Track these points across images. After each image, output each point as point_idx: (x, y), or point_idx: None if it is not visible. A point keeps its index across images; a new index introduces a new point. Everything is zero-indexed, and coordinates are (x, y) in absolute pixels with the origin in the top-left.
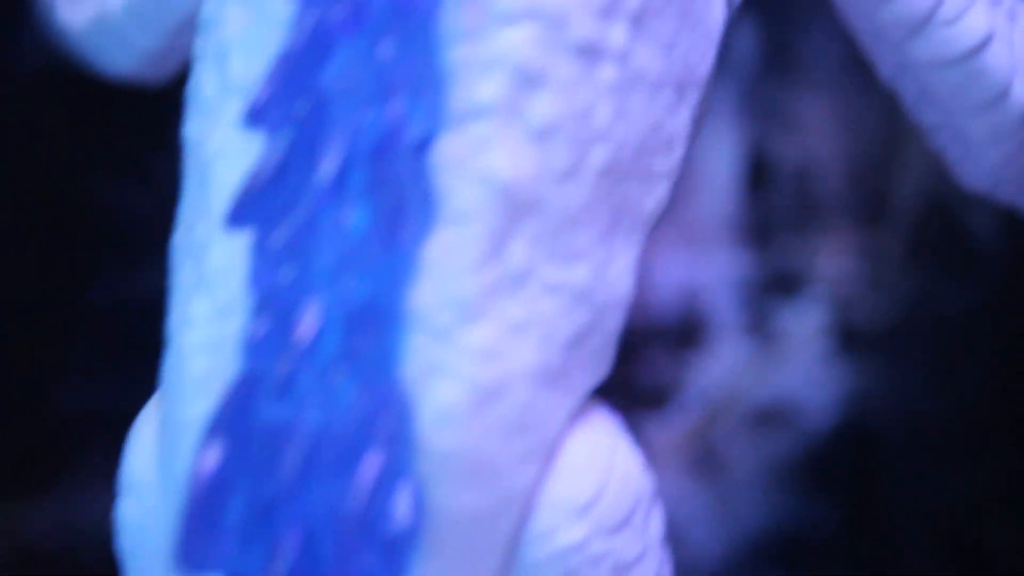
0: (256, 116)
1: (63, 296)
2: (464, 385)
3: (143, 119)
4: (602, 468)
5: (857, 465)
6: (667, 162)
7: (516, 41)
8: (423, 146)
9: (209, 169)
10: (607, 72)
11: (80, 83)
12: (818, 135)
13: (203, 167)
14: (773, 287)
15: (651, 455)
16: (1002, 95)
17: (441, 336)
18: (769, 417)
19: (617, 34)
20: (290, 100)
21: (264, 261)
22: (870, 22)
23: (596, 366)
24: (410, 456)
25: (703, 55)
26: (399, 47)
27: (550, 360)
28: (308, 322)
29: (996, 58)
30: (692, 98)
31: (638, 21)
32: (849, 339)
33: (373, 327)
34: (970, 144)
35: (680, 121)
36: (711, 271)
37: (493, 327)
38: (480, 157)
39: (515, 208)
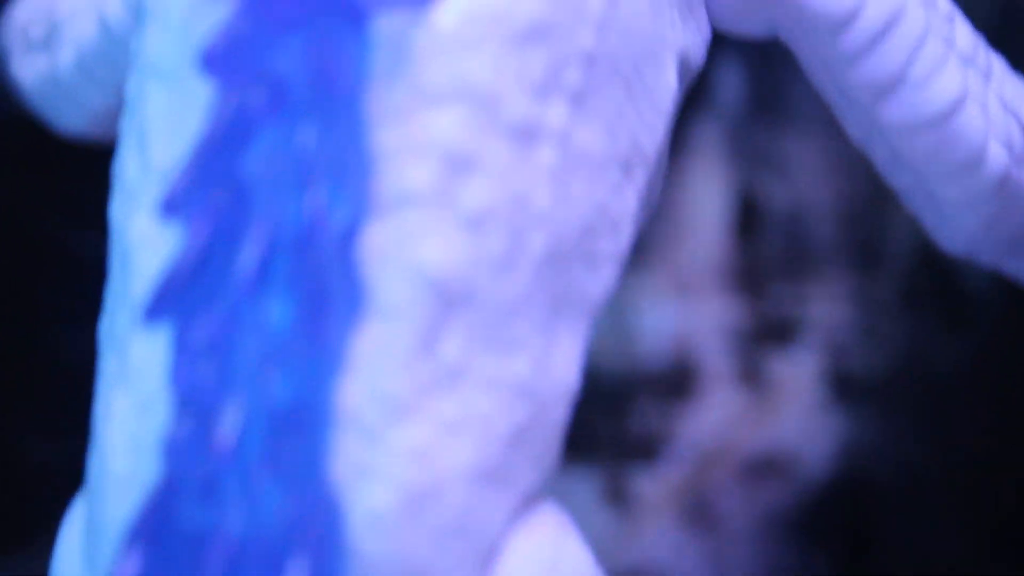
0: (172, 206)
1: (32, 348)
2: (395, 488)
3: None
4: (546, 570)
5: (852, 517)
6: (613, 244)
7: (446, 124)
8: (348, 236)
9: (129, 256)
10: (545, 154)
11: (44, 130)
12: (809, 179)
13: (124, 253)
14: (765, 335)
15: (641, 508)
16: (977, 159)
17: (370, 436)
18: (762, 468)
19: (556, 113)
20: (208, 189)
21: (184, 357)
22: (837, 84)
23: (540, 461)
24: (339, 563)
25: (652, 130)
26: (322, 131)
27: (489, 458)
28: (229, 423)
29: (969, 121)
30: (640, 176)
31: (579, 99)
32: (843, 388)
33: (298, 427)
34: (945, 209)
35: (627, 201)
36: (701, 318)
37: (426, 426)
38: (409, 247)
39: (447, 300)
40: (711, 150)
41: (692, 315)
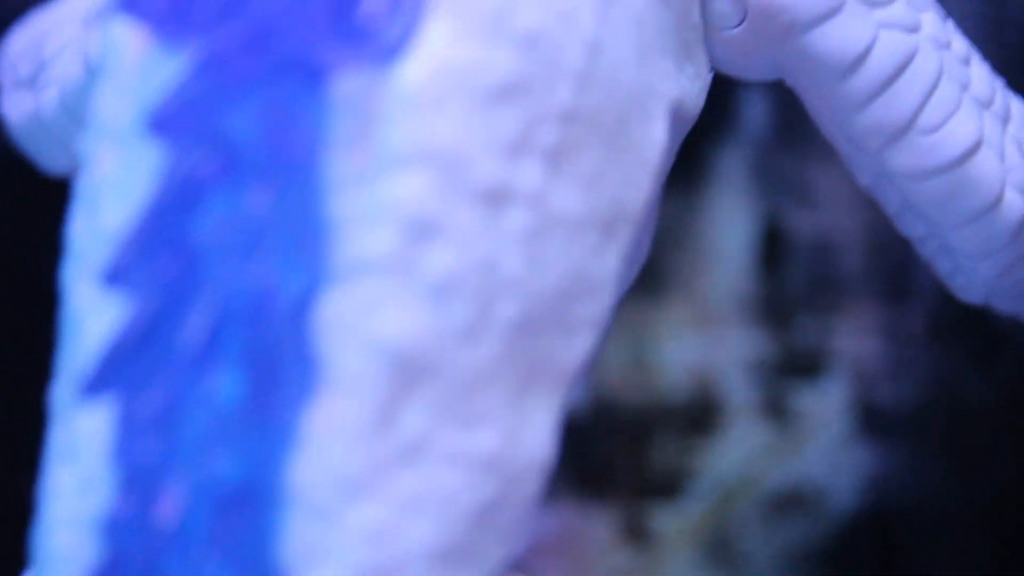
0: (117, 274)
1: (29, 389)
2: (349, 570)
3: None
4: None
5: (878, 552)
6: (592, 309)
7: (408, 188)
8: (302, 306)
9: (75, 324)
10: (516, 217)
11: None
12: (836, 209)
13: (70, 320)
14: (790, 367)
15: (661, 545)
16: (991, 206)
17: (323, 516)
18: (787, 502)
19: (529, 174)
20: (155, 256)
21: (128, 433)
22: (844, 129)
23: (508, 538)
24: None
25: (637, 187)
26: (276, 197)
27: (451, 537)
28: (172, 503)
29: (984, 167)
30: (622, 236)
31: (555, 158)
32: (870, 421)
33: (247, 507)
34: (959, 257)
35: (608, 262)
36: (724, 351)
37: (383, 504)
38: (367, 318)
39: (408, 373)
40: (735, 178)
41: (714, 347)
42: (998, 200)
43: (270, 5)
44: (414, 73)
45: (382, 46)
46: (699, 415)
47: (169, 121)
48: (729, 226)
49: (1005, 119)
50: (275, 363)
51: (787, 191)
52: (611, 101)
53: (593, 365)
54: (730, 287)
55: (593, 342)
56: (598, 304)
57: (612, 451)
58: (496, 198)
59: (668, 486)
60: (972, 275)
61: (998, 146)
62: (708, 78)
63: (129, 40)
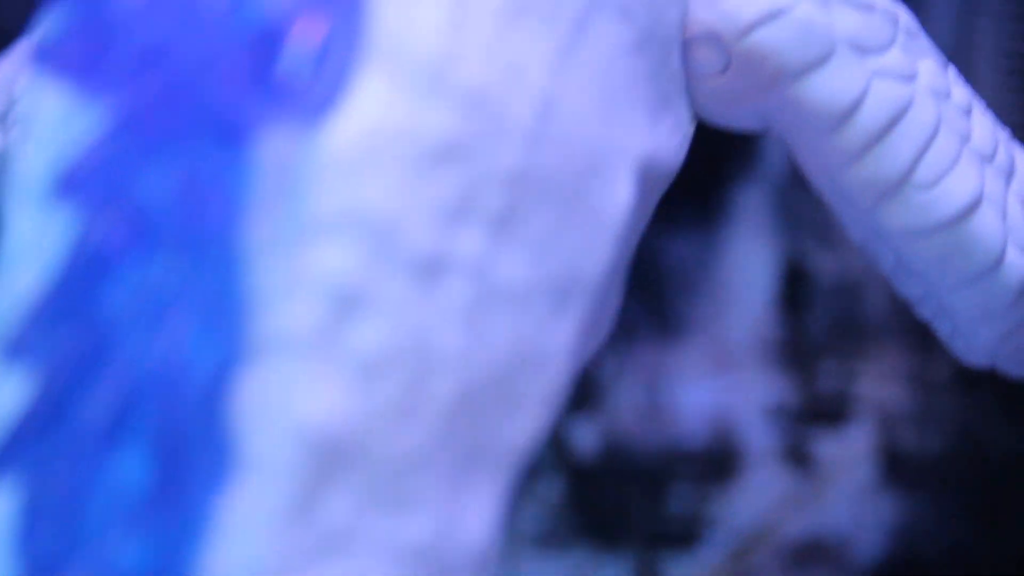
0: (21, 346)
1: None
2: None
3: None
4: None
5: None
6: (542, 385)
7: (334, 258)
8: (216, 384)
9: None
10: (455, 289)
11: None
12: (860, 250)
13: None
14: (812, 413)
15: None
16: (992, 267)
17: None
18: (808, 552)
19: (469, 242)
20: (61, 328)
21: (32, 517)
22: (835, 183)
23: None
24: None
25: (595, 253)
26: (190, 267)
27: None
28: None
29: (984, 225)
30: (578, 305)
31: (500, 224)
32: (894, 470)
33: None
34: (958, 320)
35: (560, 334)
36: (744, 396)
37: None
38: (287, 397)
39: (332, 457)
40: (756, 218)
41: (734, 392)
42: (999, 260)
43: (191, 53)
44: (342, 133)
45: (307, 103)
46: (716, 461)
47: (81, 182)
48: (749, 267)
49: (1009, 173)
50: (186, 444)
51: (809, 231)
52: (566, 161)
53: (606, 409)
54: (750, 330)
55: (543, 419)
56: (548, 379)
57: (626, 498)
58: (432, 268)
59: (683, 535)
60: (973, 338)
61: (1000, 203)
62: (690, 129)
63: (46, 91)
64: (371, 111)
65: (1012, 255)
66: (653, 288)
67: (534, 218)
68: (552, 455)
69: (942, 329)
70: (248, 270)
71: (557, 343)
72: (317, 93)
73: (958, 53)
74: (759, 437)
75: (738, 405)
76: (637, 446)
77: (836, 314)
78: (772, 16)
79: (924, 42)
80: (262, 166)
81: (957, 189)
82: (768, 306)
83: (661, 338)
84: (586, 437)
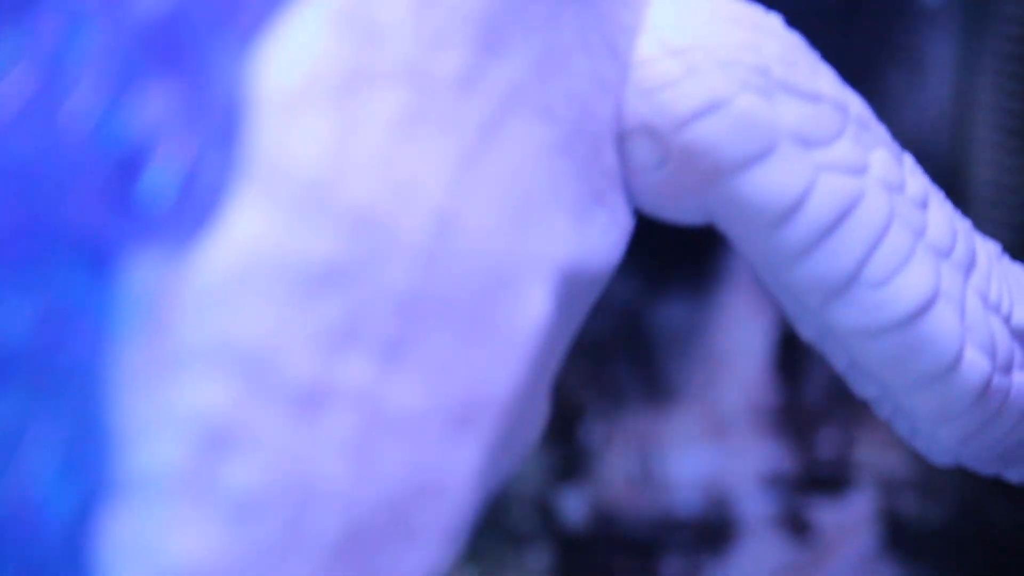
0: None
1: None
2: None
3: None
4: None
5: None
6: (440, 515)
7: (205, 391)
8: (76, 525)
9: None
10: (339, 420)
11: None
12: None
13: None
14: (809, 481)
15: None
16: (949, 368)
17: None
18: None
19: (356, 370)
20: None
21: None
22: (781, 281)
23: None
24: None
25: (502, 372)
26: (49, 402)
27: None
28: None
29: (940, 324)
30: (484, 427)
31: (390, 350)
32: (894, 539)
33: None
34: (917, 421)
35: (461, 461)
36: (739, 463)
37: None
38: (153, 539)
39: None
40: (749, 281)
41: (728, 460)
42: (956, 361)
43: (54, 173)
44: (213, 259)
45: (175, 227)
46: (711, 530)
47: None
48: (743, 331)
49: (968, 268)
50: None
51: None
52: (467, 278)
53: (596, 477)
54: (744, 395)
55: (443, 550)
56: (447, 508)
57: (617, 569)
58: (313, 400)
59: None
60: (932, 440)
61: (958, 300)
62: (629, 223)
63: None
64: (245, 234)
65: (971, 355)
66: (644, 353)
67: (430, 341)
68: (540, 524)
69: (901, 429)
70: (113, 404)
71: (458, 470)
72: (186, 216)
73: (957, 112)
74: (755, 505)
75: (733, 473)
76: (628, 515)
77: (833, 379)
78: (710, 109)
79: (878, 131)
80: (129, 293)
81: (910, 287)
82: (763, 371)
83: (652, 404)
84: (575, 506)
